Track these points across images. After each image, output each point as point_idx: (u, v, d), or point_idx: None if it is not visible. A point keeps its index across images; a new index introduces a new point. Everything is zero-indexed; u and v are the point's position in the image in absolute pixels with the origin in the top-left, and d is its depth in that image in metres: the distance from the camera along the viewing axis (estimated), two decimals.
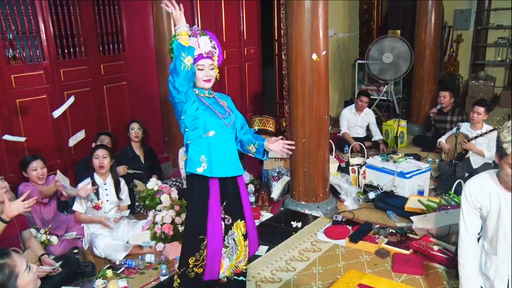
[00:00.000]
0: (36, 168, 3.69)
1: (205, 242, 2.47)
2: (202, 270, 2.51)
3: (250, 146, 2.61)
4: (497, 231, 2.28)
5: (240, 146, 2.66)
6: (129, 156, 4.59)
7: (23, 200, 2.75)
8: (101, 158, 3.72)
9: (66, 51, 4.51)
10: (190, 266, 2.51)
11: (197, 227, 2.49)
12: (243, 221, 2.60)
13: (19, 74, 4.17)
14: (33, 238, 3.27)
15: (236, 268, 2.63)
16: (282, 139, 2.58)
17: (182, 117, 2.44)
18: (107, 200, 3.77)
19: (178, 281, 2.56)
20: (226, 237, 2.56)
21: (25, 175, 3.77)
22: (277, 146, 2.55)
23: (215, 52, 2.51)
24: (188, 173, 2.51)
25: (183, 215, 3.56)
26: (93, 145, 4.18)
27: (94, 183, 3.69)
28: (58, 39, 4.43)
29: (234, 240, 2.59)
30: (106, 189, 3.78)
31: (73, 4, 4.49)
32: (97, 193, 3.70)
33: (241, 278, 2.68)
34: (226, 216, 2.55)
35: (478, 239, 2.44)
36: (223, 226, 2.53)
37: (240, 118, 2.66)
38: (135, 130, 4.58)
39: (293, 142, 2.67)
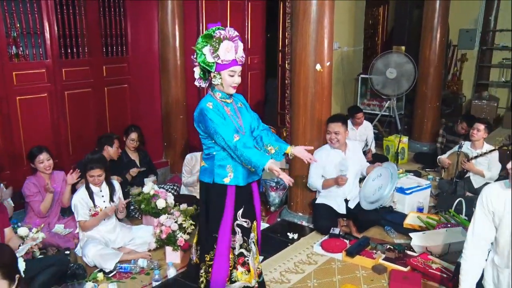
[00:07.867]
0: (43, 161, 3.78)
1: (217, 241, 2.61)
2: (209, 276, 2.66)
3: (270, 147, 2.69)
4: (510, 241, 2.24)
5: (257, 142, 2.72)
6: (124, 161, 4.52)
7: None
8: (96, 178, 3.62)
9: (69, 50, 4.48)
10: (206, 263, 2.67)
11: (211, 228, 2.63)
12: (255, 222, 2.73)
13: (20, 72, 4.13)
14: (14, 236, 3.20)
15: (258, 269, 2.75)
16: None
17: (213, 140, 2.53)
18: (105, 207, 3.66)
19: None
20: (248, 240, 2.66)
21: (32, 166, 3.84)
22: (300, 151, 2.62)
23: (244, 60, 2.60)
24: (208, 182, 2.60)
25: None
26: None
27: (89, 191, 3.62)
28: (62, 39, 4.40)
29: (253, 243, 2.70)
30: (102, 196, 3.69)
31: (79, 4, 4.47)
32: (93, 200, 3.62)
33: (261, 278, 2.82)
34: (245, 219, 2.65)
35: (489, 253, 2.42)
36: (240, 233, 2.63)
37: (255, 117, 2.75)
38: (135, 140, 4.54)
39: (312, 148, 2.79)
